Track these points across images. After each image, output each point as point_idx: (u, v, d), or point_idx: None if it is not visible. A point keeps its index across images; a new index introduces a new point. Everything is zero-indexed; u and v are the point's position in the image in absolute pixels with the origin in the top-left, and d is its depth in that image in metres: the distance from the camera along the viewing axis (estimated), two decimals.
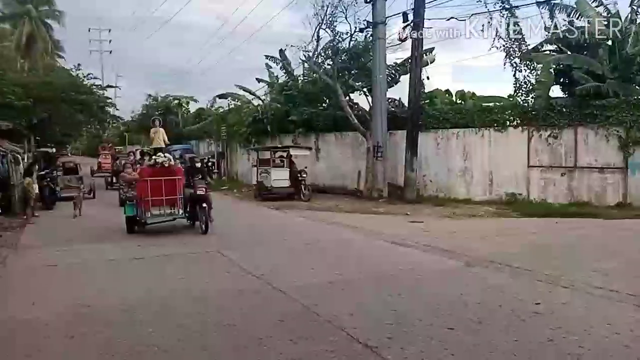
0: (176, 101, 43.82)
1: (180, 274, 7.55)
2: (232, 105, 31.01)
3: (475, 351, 4.43)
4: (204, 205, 11.01)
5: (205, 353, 4.51)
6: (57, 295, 6.48)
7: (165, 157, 11.32)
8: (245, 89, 28.69)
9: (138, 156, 27.08)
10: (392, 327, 5.01)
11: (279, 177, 18.80)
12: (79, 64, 30.27)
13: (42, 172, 17.73)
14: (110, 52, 59.35)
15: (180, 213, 11.33)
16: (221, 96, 31.95)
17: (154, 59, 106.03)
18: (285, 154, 19.88)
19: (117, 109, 39.35)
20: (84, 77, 29.86)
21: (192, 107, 44.73)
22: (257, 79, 28.56)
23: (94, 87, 29.64)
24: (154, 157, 11.50)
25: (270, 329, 5.05)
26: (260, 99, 27.99)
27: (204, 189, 11.25)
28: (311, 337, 4.81)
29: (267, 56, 26.21)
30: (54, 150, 33.34)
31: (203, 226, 11.03)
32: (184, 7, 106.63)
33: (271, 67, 26.76)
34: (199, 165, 12.78)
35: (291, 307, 5.79)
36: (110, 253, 9.24)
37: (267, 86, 27.56)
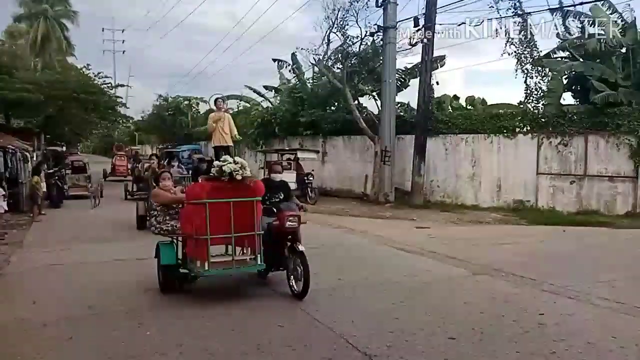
0: (186, 102, 44.01)
1: None
2: (241, 107, 31.11)
3: None
4: (300, 247, 6.34)
5: (203, 358, 4.47)
6: (59, 295, 6.49)
7: (236, 163, 6.23)
8: (254, 90, 28.78)
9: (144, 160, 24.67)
10: (393, 335, 4.95)
11: (286, 180, 18.74)
12: (88, 64, 30.51)
13: (51, 171, 17.86)
14: (124, 52, 59.93)
15: (256, 261, 6.34)
16: (227, 97, 32.04)
17: (166, 60, 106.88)
18: (292, 157, 19.86)
19: (127, 108, 39.65)
20: (95, 76, 30.07)
21: (202, 108, 44.96)
22: (264, 86, 28.68)
23: (104, 86, 29.81)
24: (217, 162, 6.51)
25: (270, 334, 5.00)
26: (269, 101, 28.05)
27: (296, 220, 6.50)
28: (310, 344, 4.76)
29: (274, 60, 26.29)
30: (63, 148, 33.52)
31: (296, 285, 6.31)
32: (198, 9, 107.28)
33: (282, 69, 26.83)
34: (279, 177, 7.48)
35: (292, 312, 5.74)
36: (116, 253, 9.21)
37: (274, 91, 27.68)
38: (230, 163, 6.17)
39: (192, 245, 6.25)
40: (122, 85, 35.37)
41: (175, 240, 6.79)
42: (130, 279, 7.35)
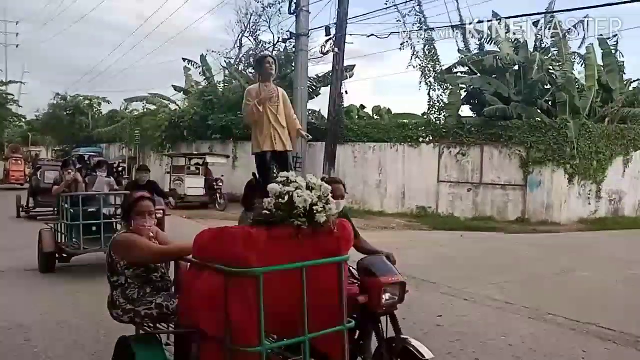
0: (87, 101, 41.49)
1: (73, 286, 7.02)
2: (146, 109, 29.96)
3: None
4: (424, 354, 3.49)
5: None
6: None
7: (312, 188, 2.94)
8: (160, 96, 27.88)
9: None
10: None
11: (194, 185, 18.30)
12: None
13: None
14: (17, 46, 55.33)
15: None
16: (132, 100, 30.87)
17: (66, 57, 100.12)
18: (201, 162, 19.40)
19: (20, 106, 36.62)
20: None
21: (105, 109, 42.60)
22: (173, 86, 27.82)
23: None
24: (274, 186, 2.91)
25: None
26: (177, 104, 27.24)
27: (397, 291, 3.59)
28: None
29: (185, 59, 25.61)
30: None
31: None
32: (103, 5, 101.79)
33: (190, 71, 26.18)
34: (342, 204, 3.93)
35: None
36: None
37: (182, 93, 26.95)
38: (301, 189, 2.91)
39: None
40: (14, 82, 32.63)
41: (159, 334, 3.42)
42: (13, 292, 6.72)
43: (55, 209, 8.61)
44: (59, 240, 7.88)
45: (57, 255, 7.89)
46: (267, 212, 2.89)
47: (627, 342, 5.19)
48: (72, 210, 7.58)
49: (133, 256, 3.29)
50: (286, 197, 2.85)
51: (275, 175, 3.57)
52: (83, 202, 7.64)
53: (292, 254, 2.84)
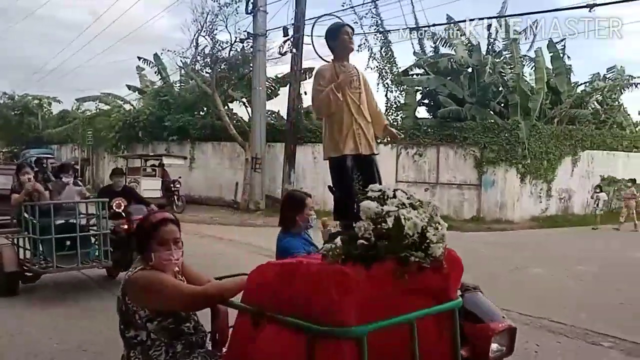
0: (36, 101, 39.91)
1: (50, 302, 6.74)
2: (98, 109, 29.08)
3: None
4: None
5: None
6: None
7: (418, 208, 2.13)
8: (114, 96, 27.14)
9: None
10: None
11: (150, 187, 17.86)
12: None
13: None
14: None
15: None
16: (84, 99, 29.94)
17: (14, 55, 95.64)
18: (157, 163, 19.01)
19: None
20: None
21: (55, 109, 41.08)
22: (127, 85, 27.13)
23: None
24: (369, 204, 2.06)
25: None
26: (131, 104, 26.57)
27: (506, 339, 2.85)
28: None
29: (140, 57, 24.99)
30: None
31: None
32: (54, 1, 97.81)
33: (144, 70, 25.58)
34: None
35: None
36: None
37: (137, 92, 26.33)
38: (406, 208, 2.10)
39: None
40: None
41: None
42: None
43: (15, 220, 7.47)
44: (23, 257, 6.80)
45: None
46: (365, 242, 2.00)
47: (577, 334, 5.41)
48: (39, 223, 6.39)
49: (159, 303, 2.40)
50: (389, 221, 2.01)
51: (358, 187, 2.56)
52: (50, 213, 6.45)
53: (393, 299, 2.05)
